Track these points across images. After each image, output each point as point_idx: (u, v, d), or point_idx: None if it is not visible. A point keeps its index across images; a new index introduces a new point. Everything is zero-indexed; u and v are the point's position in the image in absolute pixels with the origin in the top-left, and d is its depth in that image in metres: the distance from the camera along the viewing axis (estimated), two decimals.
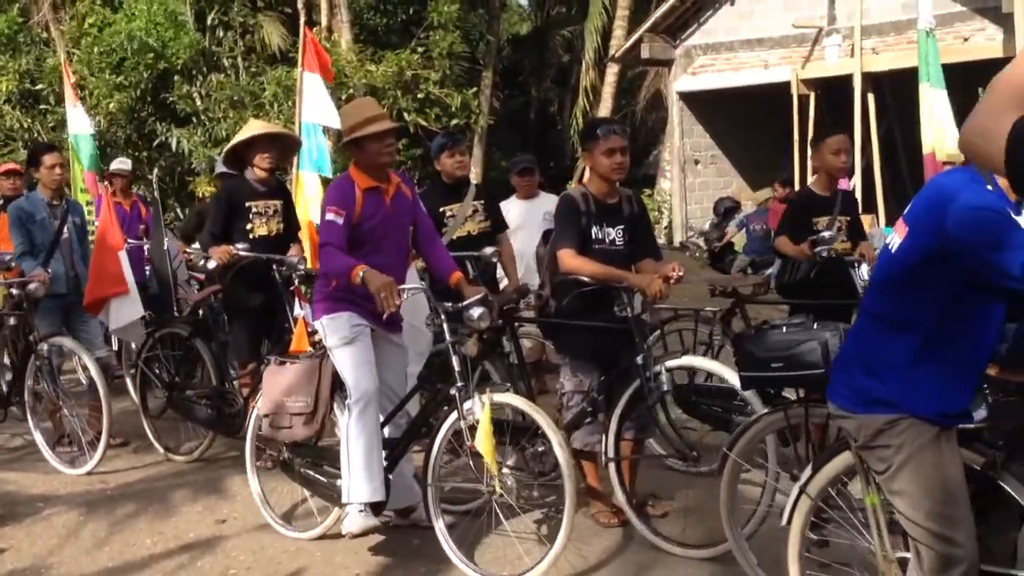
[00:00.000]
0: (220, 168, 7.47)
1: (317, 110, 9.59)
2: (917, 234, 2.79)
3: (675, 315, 5.94)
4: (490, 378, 5.22)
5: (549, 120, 25.80)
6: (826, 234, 5.28)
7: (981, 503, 2.93)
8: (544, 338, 5.52)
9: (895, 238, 2.89)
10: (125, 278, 6.73)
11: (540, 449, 4.60)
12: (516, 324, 5.48)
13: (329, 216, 4.62)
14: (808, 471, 3.38)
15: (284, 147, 6.64)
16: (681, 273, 4.75)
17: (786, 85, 14.61)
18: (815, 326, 3.85)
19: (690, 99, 16.31)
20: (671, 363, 4.71)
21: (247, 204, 6.31)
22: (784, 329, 3.93)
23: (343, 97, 15.76)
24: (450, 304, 4.57)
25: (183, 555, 5.00)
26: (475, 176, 18.90)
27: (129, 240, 8.22)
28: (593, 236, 4.85)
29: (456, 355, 4.51)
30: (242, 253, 6.12)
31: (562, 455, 4.22)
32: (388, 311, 4.38)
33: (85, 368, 6.60)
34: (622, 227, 4.94)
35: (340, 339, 4.67)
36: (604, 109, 19.50)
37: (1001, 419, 3.06)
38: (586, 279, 4.73)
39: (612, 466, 4.83)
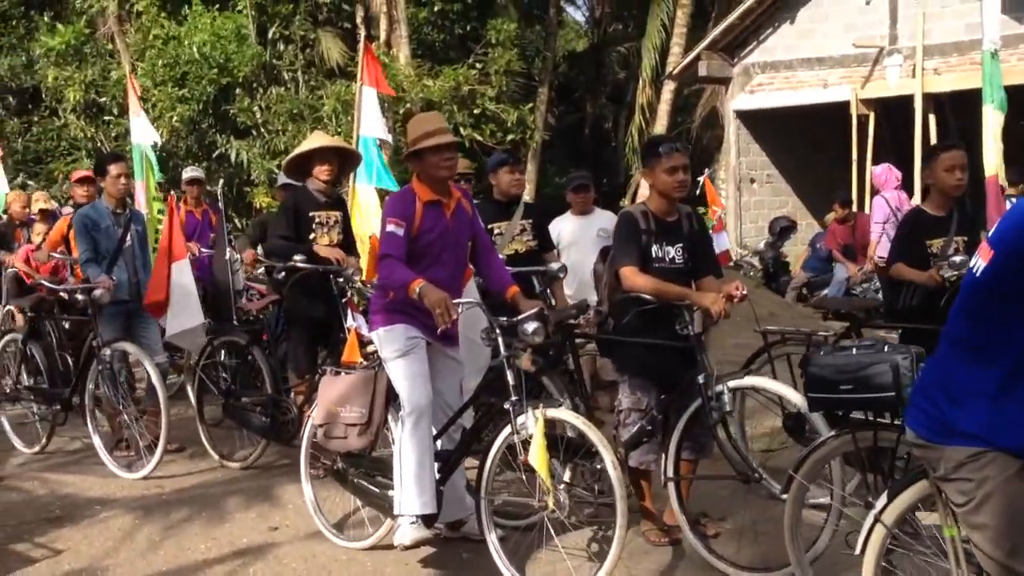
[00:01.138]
0: (283, 180, 7.58)
1: (373, 124, 9.70)
2: (1004, 256, 2.71)
3: (782, 338, 5.72)
4: (548, 394, 5.20)
5: (604, 137, 25.82)
6: (957, 259, 5.04)
7: None
8: (601, 355, 5.48)
9: (979, 261, 2.80)
10: (167, 287, 6.83)
11: (597, 466, 4.57)
12: (575, 340, 5.46)
13: (390, 228, 4.66)
14: (883, 499, 3.29)
15: (344, 160, 6.74)
16: (745, 292, 4.69)
17: (845, 105, 14.45)
18: (886, 348, 3.79)
19: (747, 117, 16.21)
20: (733, 383, 4.66)
21: (311, 214, 6.41)
22: (854, 351, 3.88)
23: (400, 111, 15.91)
24: (505, 319, 4.57)
25: (236, 561, 5.05)
26: (529, 192, 18.97)
27: (203, 249, 8.37)
28: (653, 254, 4.82)
29: (510, 369, 4.51)
30: (300, 264, 6.18)
31: (614, 473, 4.19)
32: (444, 326, 4.40)
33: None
34: (681, 245, 4.91)
35: (395, 351, 4.70)
36: (660, 126, 19.46)
37: None
38: (647, 297, 4.70)
39: (671, 485, 4.79)
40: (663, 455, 4.80)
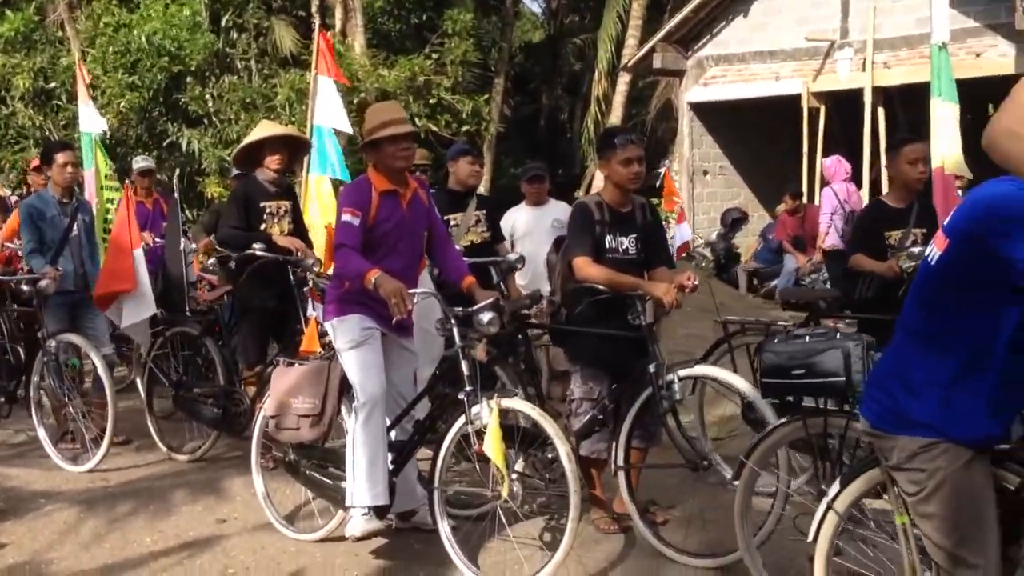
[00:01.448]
0: (237, 170, 7.52)
1: (329, 113, 9.62)
2: (961, 246, 2.70)
3: (742, 329, 5.74)
4: (501, 384, 5.20)
5: (559, 128, 25.83)
6: (915, 249, 5.05)
7: (1013, 522, 2.85)
8: (554, 345, 5.50)
9: (934, 250, 2.80)
10: (135, 277, 6.72)
11: (549, 456, 4.58)
12: (528, 331, 5.47)
13: (345, 217, 4.62)
14: (836, 487, 3.31)
15: (294, 149, 6.68)
16: (696, 282, 4.72)
17: (797, 98, 14.59)
18: (838, 335, 3.82)
19: (700, 110, 16.30)
20: (683, 372, 4.69)
21: (261, 204, 6.35)
22: (807, 337, 3.92)
23: (354, 101, 15.81)
24: (460, 309, 4.57)
25: (183, 553, 5.00)
26: (484, 183, 18.94)
27: (157, 239, 8.24)
28: (607, 245, 4.83)
29: (465, 359, 4.51)
30: (260, 253, 6.12)
31: (569, 465, 4.21)
32: (399, 316, 4.38)
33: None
34: (635, 236, 4.92)
35: (349, 342, 4.68)
36: (615, 118, 19.51)
37: None
38: (599, 287, 4.71)
39: (621, 474, 4.81)
40: (614, 444, 4.82)
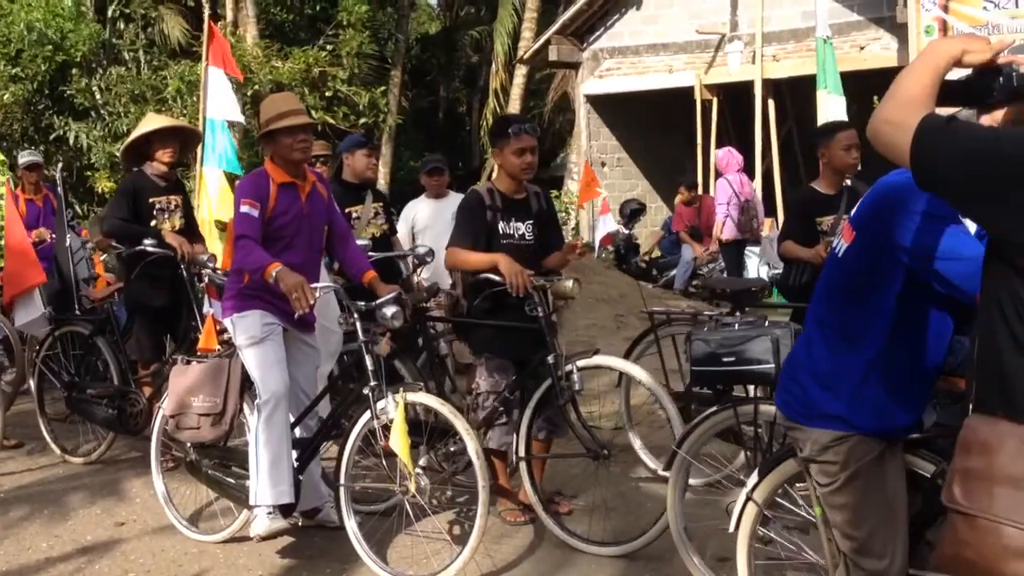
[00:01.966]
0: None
1: (221, 105, 9.45)
2: (865, 237, 2.71)
3: (668, 319, 5.72)
4: (401, 378, 5.18)
5: (458, 120, 25.84)
6: None
7: (928, 510, 2.83)
8: (457, 338, 5.51)
9: (841, 242, 2.80)
10: (41, 268, 6.66)
11: (452, 449, 4.60)
12: (428, 324, 5.47)
13: (244, 208, 4.53)
14: (755, 477, 3.31)
15: (185, 141, 6.54)
16: (585, 243, 4.80)
17: (690, 90, 14.87)
18: (767, 323, 3.88)
19: (597, 102, 16.48)
20: (582, 362, 4.72)
21: (150, 200, 6.19)
22: (736, 325, 3.98)
23: (248, 93, 15.55)
24: (363, 303, 4.54)
25: (81, 558, 4.88)
26: (383, 176, 18.85)
27: (52, 236, 7.88)
28: (500, 231, 4.86)
29: (369, 354, 4.48)
30: (150, 249, 5.98)
31: (476, 457, 4.22)
32: (302, 311, 4.33)
33: None
34: (531, 222, 4.96)
35: (249, 338, 4.61)
36: (513, 110, 19.57)
37: (949, 425, 2.87)
38: (495, 278, 4.72)
39: (523, 465, 4.82)
40: (515, 435, 4.85)
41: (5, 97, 15.76)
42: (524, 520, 5.02)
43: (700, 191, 13.39)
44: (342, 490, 4.54)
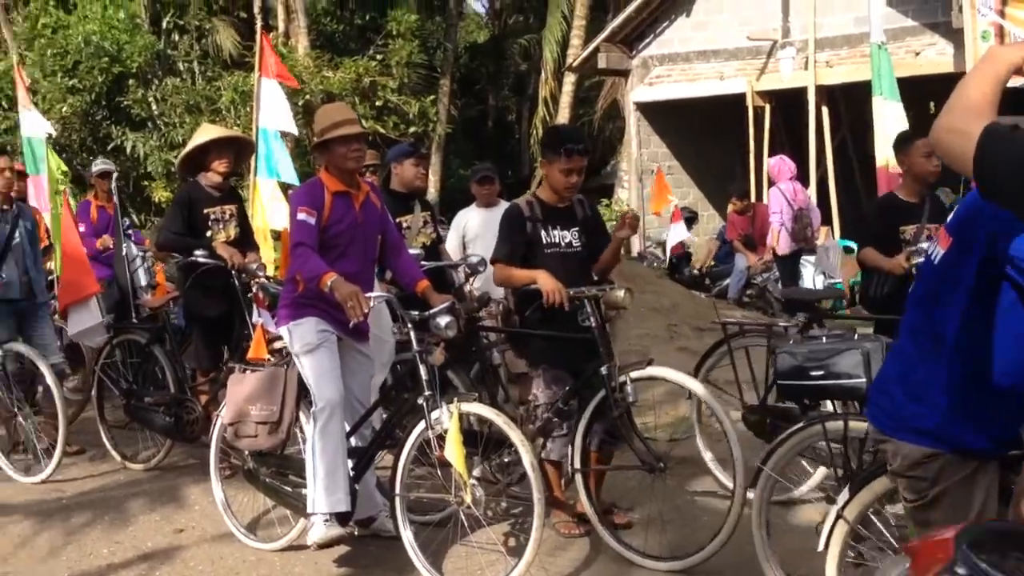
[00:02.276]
0: None
1: (274, 116, 9.55)
2: (962, 244, 2.57)
3: (741, 330, 5.57)
4: (454, 388, 5.17)
5: (507, 129, 25.87)
6: (926, 245, 4.77)
7: None
8: (510, 348, 5.44)
9: (937, 249, 2.66)
10: (95, 277, 6.77)
11: (506, 460, 4.58)
12: (480, 334, 5.43)
13: (301, 216, 4.57)
14: (845, 494, 3.19)
15: (239, 151, 6.60)
16: (631, 215, 4.84)
17: (741, 97, 14.75)
18: (856, 337, 3.77)
19: (647, 109, 16.41)
20: (636, 373, 4.68)
21: (204, 211, 6.25)
22: (824, 339, 3.87)
23: (300, 103, 15.71)
24: (416, 313, 4.54)
25: (141, 565, 4.95)
26: (433, 184, 18.93)
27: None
28: (544, 240, 4.84)
29: (423, 364, 4.48)
30: (201, 260, 6.05)
31: (531, 469, 4.19)
32: (356, 320, 4.35)
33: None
34: (577, 229, 4.92)
35: (305, 345, 4.63)
36: (562, 118, 19.58)
37: None
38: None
39: (579, 476, 4.76)
40: (570, 447, 4.80)
41: (64, 108, 16.07)
42: (579, 532, 4.97)
43: (753, 199, 13.27)
44: (397, 500, 4.53)
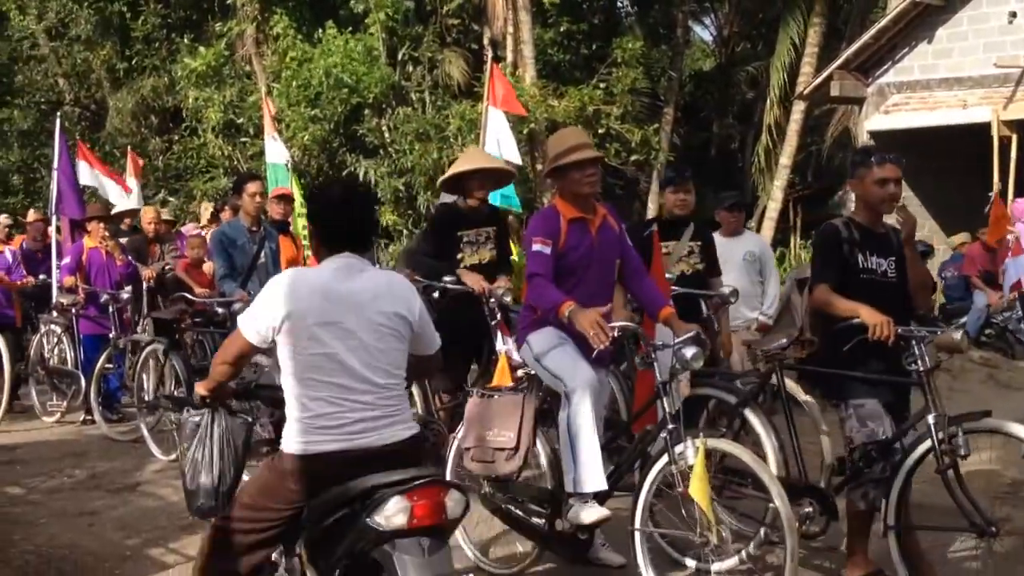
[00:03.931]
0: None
1: (500, 144, 9.75)
2: None
3: None
4: (750, 428, 4.88)
5: (729, 156, 25.41)
6: None
7: None
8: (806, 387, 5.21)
9: None
10: None
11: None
12: (783, 371, 5.07)
13: (536, 247, 4.55)
14: None
15: (499, 179, 6.74)
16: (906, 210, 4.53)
17: (986, 126, 13.93)
18: None
19: (881, 138, 15.72)
20: (969, 424, 4.24)
21: (459, 233, 6.33)
22: None
23: (524, 132, 15.98)
24: (661, 342, 4.42)
25: None
26: (651, 212, 18.79)
27: None
28: (860, 265, 4.55)
29: (667, 395, 4.36)
30: (449, 286, 6.10)
31: (783, 509, 3.98)
32: (600, 347, 4.24)
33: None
34: (893, 259, 4.62)
35: (547, 345, 4.58)
36: (789, 147, 19.07)
37: None
38: (862, 325, 4.34)
39: (891, 535, 4.32)
40: (884, 500, 4.37)
41: (305, 137, 16.98)
42: None
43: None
44: (638, 535, 4.39)
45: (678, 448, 4.22)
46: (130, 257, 9.53)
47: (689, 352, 4.30)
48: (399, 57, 18.30)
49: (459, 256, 6.31)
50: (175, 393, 7.48)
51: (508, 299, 6.12)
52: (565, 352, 4.55)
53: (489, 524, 5.26)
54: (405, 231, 17.03)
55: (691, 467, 4.10)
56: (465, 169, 6.49)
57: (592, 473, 4.39)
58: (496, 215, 6.83)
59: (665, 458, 4.28)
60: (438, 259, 6.36)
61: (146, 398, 7.63)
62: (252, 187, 7.05)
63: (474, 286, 6.14)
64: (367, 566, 3.16)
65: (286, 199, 8.91)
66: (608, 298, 4.76)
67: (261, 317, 3.37)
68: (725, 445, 4.30)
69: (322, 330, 3.28)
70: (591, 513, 4.40)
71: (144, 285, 9.24)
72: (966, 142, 14.54)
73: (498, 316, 6.13)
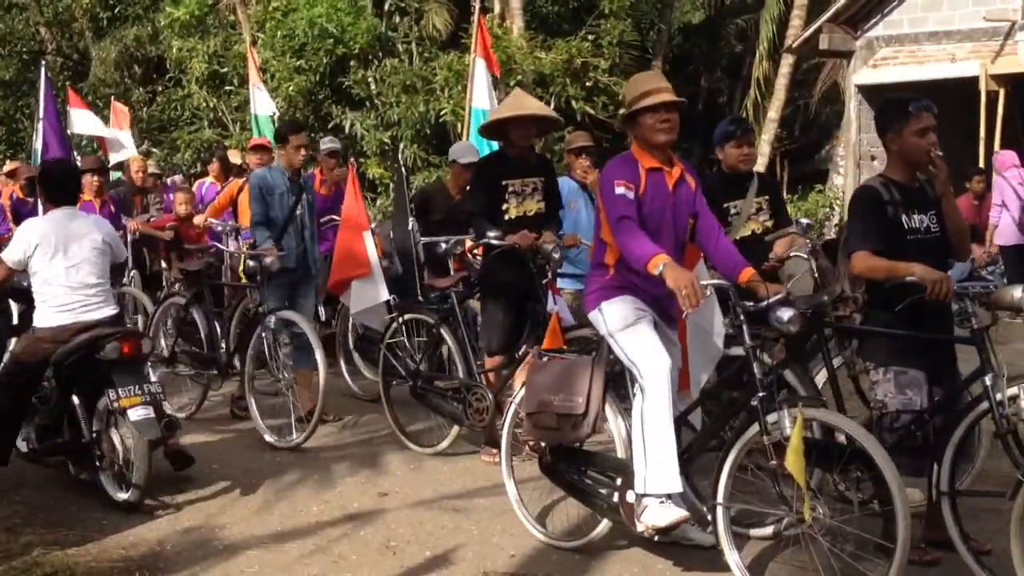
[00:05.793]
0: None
1: (488, 97, 9.68)
2: None
3: None
4: (791, 389, 4.60)
5: (717, 111, 25.31)
6: None
7: None
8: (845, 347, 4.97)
9: None
10: (369, 259, 6.89)
11: (857, 475, 4.11)
12: (825, 331, 4.79)
13: (620, 190, 4.20)
14: None
15: (543, 126, 6.36)
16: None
17: (974, 80, 13.94)
18: None
19: (869, 93, 15.75)
20: None
21: (504, 182, 5.94)
22: None
23: (511, 83, 15.87)
24: (751, 304, 4.11)
25: (347, 524, 5.16)
26: None
27: (333, 218, 7.93)
28: (906, 226, 4.29)
29: (757, 361, 4.05)
30: (493, 242, 5.77)
31: (896, 486, 3.71)
32: (689, 311, 3.97)
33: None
34: (933, 212, 4.37)
35: (623, 321, 4.28)
36: (776, 101, 19.04)
37: None
38: (917, 284, 4.11)
39: (945, 501, 4.14)
40: (936, 466, 4.17)
41: (290, 88, 16.81)
42: (930, 559, 4.33)
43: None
44: (719, 510, 4.11)
45: (771, 418, 3.92)
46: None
47: (786, 315, 4.00)
48: (385, 7, 18.09)
49: (503, 207, 5.90)
50: (192, 349, 7.39)
51: (557, 255, 5.74)
52: (644, 332, 4.26)
53: (548, 493, 5.06)
54: (392, 184, 16.95)
55: (787, 439, 3.81)
56: (504, 116, 6.04)
57: (666, 474, 4.10)
58: (547, 165, 6.33)
59: (755, 428, 4.00)
60: (484, 214, 5.91)
61: (164, 353, 7.46)
62: (296, 139, 6.81)
63: (519, 241, 5.75)
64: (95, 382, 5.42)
65: (264, 149, 8.84)
66: (680, 258, 4.37)
67: (18, 249, 5.46)
68: (826, 415, 4.01)
69: (58, 252, 5.44)
70: (666, 515, 4.10)
71: (130, 237, 9.04)
72: (954, 96, 14.52)
73: (548, 274, 5.78)
